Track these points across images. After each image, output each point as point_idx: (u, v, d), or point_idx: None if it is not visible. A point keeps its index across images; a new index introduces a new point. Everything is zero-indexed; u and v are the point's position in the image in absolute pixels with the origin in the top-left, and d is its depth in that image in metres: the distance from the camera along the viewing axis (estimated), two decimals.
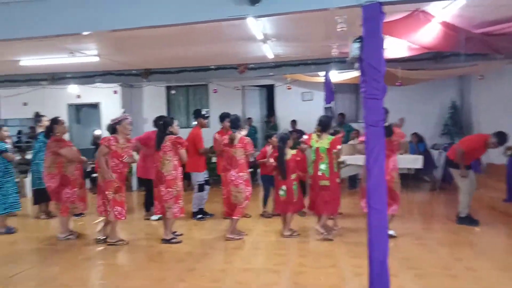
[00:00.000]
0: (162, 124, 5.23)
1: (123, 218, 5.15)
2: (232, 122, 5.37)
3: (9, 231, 5.94)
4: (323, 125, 5.19)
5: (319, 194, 5.13)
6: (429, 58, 7.50)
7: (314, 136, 5.27)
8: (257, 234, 5.65)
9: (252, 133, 10.33)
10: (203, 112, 6.47)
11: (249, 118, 10.87)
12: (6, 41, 4.28)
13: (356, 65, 3.59)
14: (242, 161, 5.20)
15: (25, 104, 10.02)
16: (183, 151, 5.15)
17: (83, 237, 5.71)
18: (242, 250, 4.96)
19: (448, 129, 9.96)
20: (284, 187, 5.31)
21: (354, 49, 3.43)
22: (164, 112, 11.77)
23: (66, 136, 5.78)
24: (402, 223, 5.69)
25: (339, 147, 5.12)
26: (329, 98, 8.21)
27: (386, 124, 4.78)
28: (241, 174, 5.19)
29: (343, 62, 7.79)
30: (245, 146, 5.20)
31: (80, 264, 4.67)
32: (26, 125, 12.01)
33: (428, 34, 5.00)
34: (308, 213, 5.76)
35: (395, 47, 6.09)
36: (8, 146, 5.97)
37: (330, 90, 8.21)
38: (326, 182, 5.09)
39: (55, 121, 5.58)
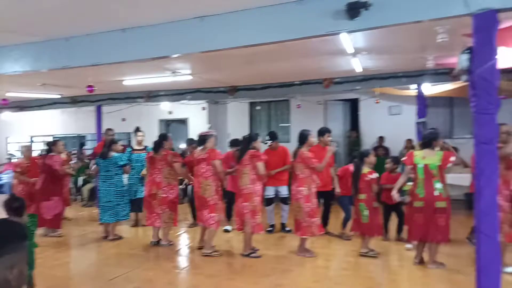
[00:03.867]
0: (247, 139, 5.36)
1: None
2: (300, 137, 5.36)
3: (120, 237, 6.36)
4: (429, 140, 4.74)
5: (433, 218, 4.55)
6: None
7: (418, 153, 4.76)
8: (343, 254, 5.45)
9: None
10: (267, 138, 6.50)
11: None
12: (117, 63, 4.76)
13: (464, 77, 3.35)
14: (302, 176, 5.13)
15: (123, 119, 10.94)
16: (260, 164, 5.17)
17: (173, 245, 5.98)
18: (328, 270, 4.83)
19: None
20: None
21: (462, 60, 3.21)
22: (246, 128, 12.08)
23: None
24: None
25: (452, 158, 4.59)
26: (421, 112, 7.73)
27: None
28: (300, 188, 5.11)
29: (437, 74, 7.31)
30: (303, 161, 5.12)
31: (172, 271, 4.91)
32: (124, 139, 13.13)
33: None
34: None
35: (499, 57, 5.55)
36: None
37: (423, 104, 7.74)
38: (443, 204, 4.55)
39: (164, 137, 5.99)
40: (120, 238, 6.34)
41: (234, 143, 6.63)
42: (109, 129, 8.00)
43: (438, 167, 4.56)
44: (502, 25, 3.98)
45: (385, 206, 5.85)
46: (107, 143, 6.51)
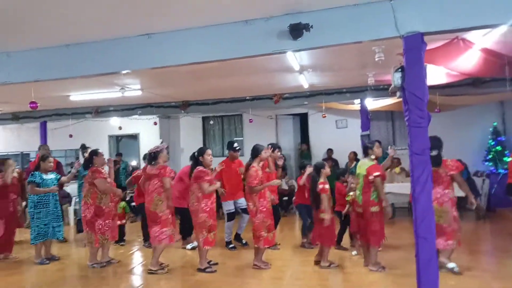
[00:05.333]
0: (195, 155, 5.38)
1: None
2: (253, 151, 5.47)
3: (43, 262, 5.95)
4: (364, 149, 5.22)
5: (364, 223, 5.05)
6: (468, 83, 7.37)
7: (359, 163, 5.24)
8: (297, 264, 5.59)
9: None
10: (235, 145, 6.58)
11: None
12: (62, 79, 4.65)
13: (398, 93, 3.63)
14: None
15: (70, 136, 10.55)
16: (203, 185, 5.13)
17: (124, 264, 5.84)
18: (282, 280, 4.91)
19: (493, 155, 9.56)
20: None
21: (396, 78, 3.48)
22: (200, 142, 12.05)
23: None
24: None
25: (375, 174, 4.93)
26: (365, 126, 8.19)
27: (435, 154, 4.55)
28: (249, 203, 5.24)
29: (378, 90, 7.80)
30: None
31: None
32: (71, 156, 12.60)
33: (468, 61, 4.97)
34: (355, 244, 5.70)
35: (432, 74, 6.05)
36: (51, 177, 6.13)
37: (366, 117, 8.20)
38: (359, 209, 5.06)
39: (94, 153, 5.83)
40: (53, 259, 6.08)
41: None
42: (43, 145, 7.74)
43: (363, 177, 5.02)
44: (432, 46, 4.40)
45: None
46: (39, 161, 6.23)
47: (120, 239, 6.72)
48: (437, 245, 4.48)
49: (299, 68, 5.87)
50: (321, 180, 5.26)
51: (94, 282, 5.10)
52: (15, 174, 6.50)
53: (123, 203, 6.87)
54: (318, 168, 5.31)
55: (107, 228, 5.63)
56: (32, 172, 6.04)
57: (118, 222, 6.22)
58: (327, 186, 5.21)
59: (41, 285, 5.11)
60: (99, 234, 5.56)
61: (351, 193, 5.64)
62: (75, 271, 5.66)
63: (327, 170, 5.34)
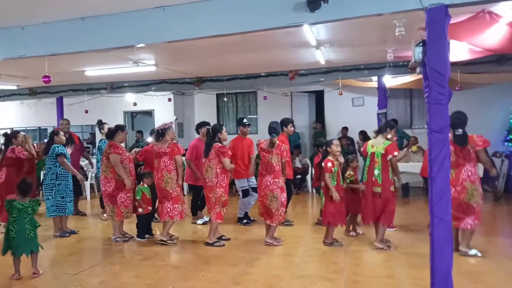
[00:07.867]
0: (212, 131, 5.41)
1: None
2: (270, 128, 5.48)
3: (63, 234, 6.08)
4: (383, 128, 5.10)
5: (373, 202, 4.99)
6: (491, 61, 7.08)
7: (371, 142, 5.16)
8: (309, 241, 5.61)
9: (296, 139, 10.28)
10: (244, 120, 6.58)
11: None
12: (73, 53, 4.64)
13: (418, 69, 3.50)
14: (278, 168, 5.22)
15: (86, 111, 10.65)
16: (225, 160, 5.24)
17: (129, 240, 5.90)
18: (295, 257, 4.93)
19: None
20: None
21: (416, 53, 3.35)
22: (214, 119, 12.04)
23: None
24: None
25: (395, 153, 4.92)
26: (382, 103, 8.02)
27: (460, 132, 4.57)
28: (276, 180, 5.21)
29: (397, 67, 7.57)
30: (281, 153, 5.23)
31: (139, 263, 4.86)
32: (86, 131, 12.77)
33: (494, 36, 4.74)
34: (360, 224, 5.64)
35: (454, 50, 5.80)
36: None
37: (384, 95, 8.02)
38: (378, 189, 4.95)
39: (119, 127, 5.84)
40: (72, 233, 6.21)
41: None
42: (64, 119, 7.82)
43: (381, 155, 4.94)
44: (456, 20, 4.21)
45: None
46: (50, 136, 6.27)
47: (148, 230, 5.96)
48: (465, 225, 4.58)
49: (316, 43, 5.72)
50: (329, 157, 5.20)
51: (109, 254, 5.23)
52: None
53: (143, 187, 5.71)
54: (327, 146, 5.29)
55: (129, 202, 5.68)
56: (58, 145, 6.04)
57: (140, 210, 5.65)
58: (329, 164, 5.07)
59: (60, 257, 5.27)
60: (122, 207, 5.62)
61: (348, 172, 5.54)
62: (92, 244, 5.80)
63: (333, 149, 5.17)
